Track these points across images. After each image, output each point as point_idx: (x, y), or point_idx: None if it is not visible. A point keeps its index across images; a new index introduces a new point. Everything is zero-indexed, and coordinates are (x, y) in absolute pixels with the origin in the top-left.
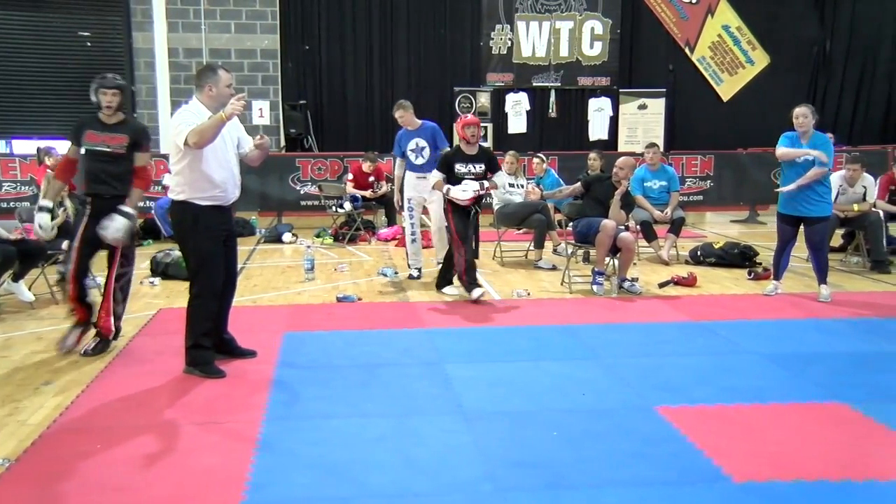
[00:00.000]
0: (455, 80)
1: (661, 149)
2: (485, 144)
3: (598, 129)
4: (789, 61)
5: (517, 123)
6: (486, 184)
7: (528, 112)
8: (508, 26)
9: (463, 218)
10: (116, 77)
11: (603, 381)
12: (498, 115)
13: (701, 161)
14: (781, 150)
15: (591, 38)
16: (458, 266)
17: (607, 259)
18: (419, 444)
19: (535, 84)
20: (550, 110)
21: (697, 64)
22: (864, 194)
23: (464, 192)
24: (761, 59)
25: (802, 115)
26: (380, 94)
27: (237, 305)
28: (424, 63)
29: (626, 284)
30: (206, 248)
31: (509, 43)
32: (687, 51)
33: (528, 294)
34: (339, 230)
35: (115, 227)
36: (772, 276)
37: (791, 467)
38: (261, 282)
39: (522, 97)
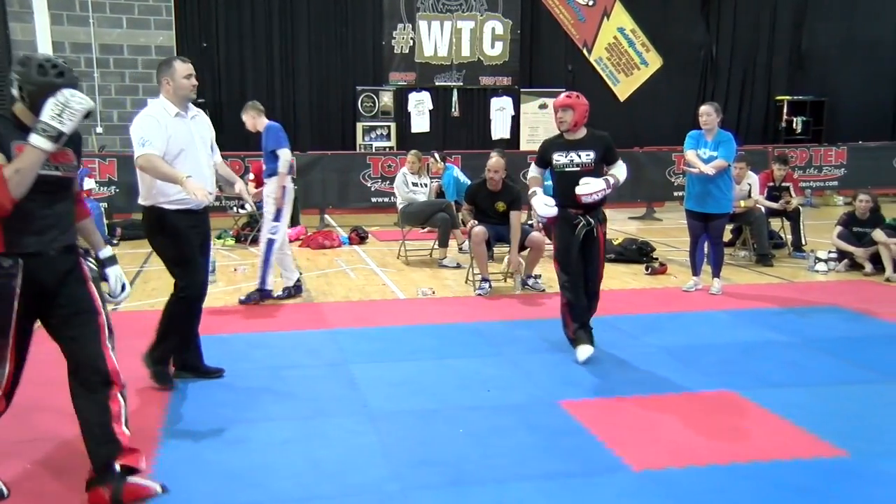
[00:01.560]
0: (357, 80)
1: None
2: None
3: (500, 128)
4: (680, 64)
5: (420, 122)
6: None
7: (430, 111)
8: (410, 26)
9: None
10: None
11: (507, 377)
12: (401, 114)
13: None
14: (686, 159)
15: (492, 38)
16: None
17: (517, 250)
18: (325, 447)
19: (437, 83)
20: (453, 109)
21: (595, 64)
22: (749, 191)
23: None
24: (655, 61)
25: (707, 113)
26: (281, 94)
27: (133, 311)
28: (326, 62)
29: (531, 282)
30: (180, 252)
31: (411, 42)
32: (585, 52)
33: (433, 292)
34: (241, 231)
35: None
36: (691, 273)
37: (685, 454)
38: (159, 285)
39: (425, 96)
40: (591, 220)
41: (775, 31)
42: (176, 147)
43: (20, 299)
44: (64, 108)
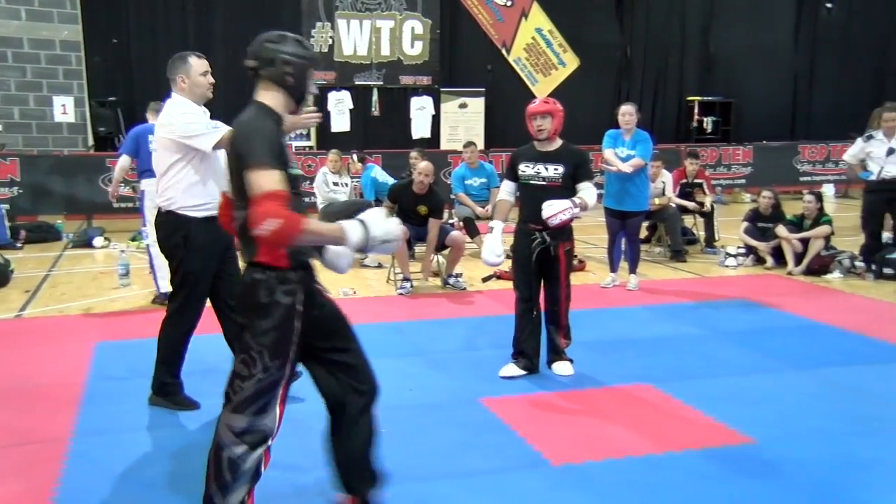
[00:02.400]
0: None
1: (481, 147)
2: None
3: (420, 127)
4: (597, 64)
5: (340, 122)
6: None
7: (350, 110)
8: (329, 24)
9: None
10: None
11: (430, 376)
12: (320, 112)
13: None
14: (604, 157)
15: (411, 37)
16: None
17: (433, 256)
18: None
19: (357, 82)
20: (373, 109)
21: (514, 64)
22: (664, 189)
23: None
24: (572, 62)
25: (628, 112)
26: None
27: (41, 317)
28: (244, 59)
29: (452, 280)
30: (193, 267)
31: (330, 41)
32: (504, 52)
33: (355, 292)
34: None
35: None
36: (609, 269)
37: (602, 448)
38: (69, 290)
39: (345, 95)
40: (547, 237)
41: (685, 34)
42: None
43: None
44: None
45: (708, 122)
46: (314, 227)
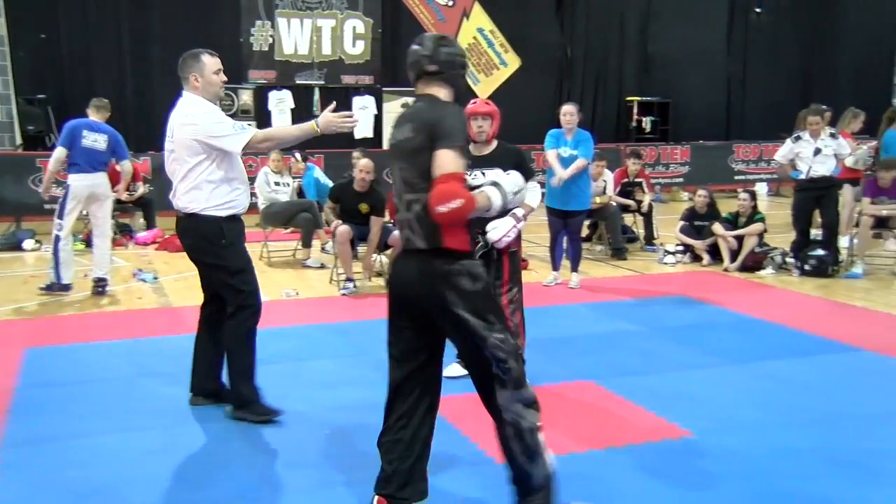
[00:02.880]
0: None
1: None
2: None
3: (363, 127)
4: (538, 64)
5: (282, 121)
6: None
7: (292, 110)
8: (269, 23)
9: None
10: None
11: (373, 376)
12: (261, 113)
13: None
14: (547, 158)
15: (353, 36)
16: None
17: (375, 256)
18: (189, 456)
19: (298, 82)
20: (315, 108)
21: None
22: (605, 188)
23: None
24: (514, 62)
25: (570, 112)
26: (133, 89)
27: None
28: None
29: None
30: (234, 265)
31: (271, 40)
32: None
33: (297, 294)
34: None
35: None
36: (551, 268)
37: (548, 445)
38: None
39: (286, 95)
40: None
41: (624, 35)
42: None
43: None
44: None
45: (647, 122)
46: (477, 205)
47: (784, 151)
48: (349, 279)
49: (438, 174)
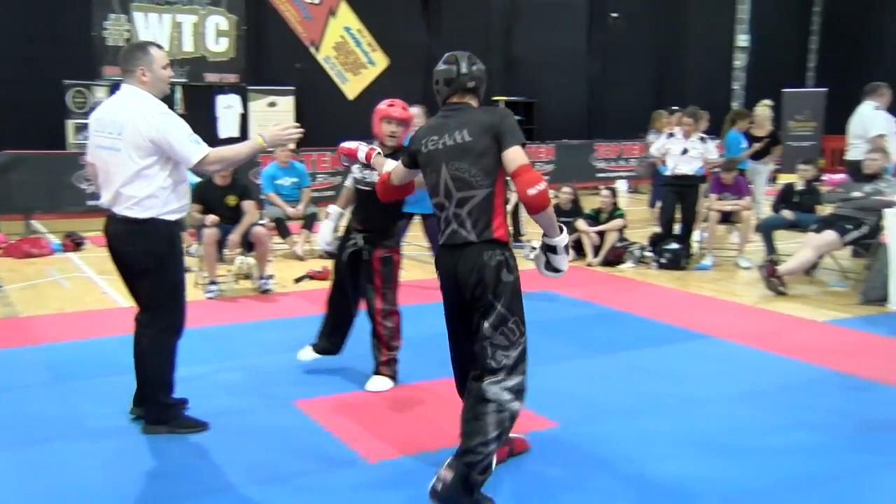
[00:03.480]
0: (65, 73)
1: (292, 146)
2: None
3: (227, 126)
4: (405, 63)
5: None
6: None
7: None
8: (125, 17)
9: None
10: None
11: (242, 381)
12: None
13: (331, 157)
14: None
15: (216, 33)
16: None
17: (241, 259)
18: (43, 476)
19: None
20: (177, 107)
21: (323, 63)
22: None
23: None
24: (381, 61)
25: (417, 115)
26: None
27: None
28: (28, 53)
29: (261, 283)
30: (180, 274)
31: (127, 35)
32: (313, 50)
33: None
34: None
35: None
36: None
37: (417, 442)
38: None
39: None
40: (361, 241)
41: (489, 35)
42: None
43: None
44: None
45: None
46: (551, 209)
47: (658, 145)
48: (213, 282)
49: (515, 167)
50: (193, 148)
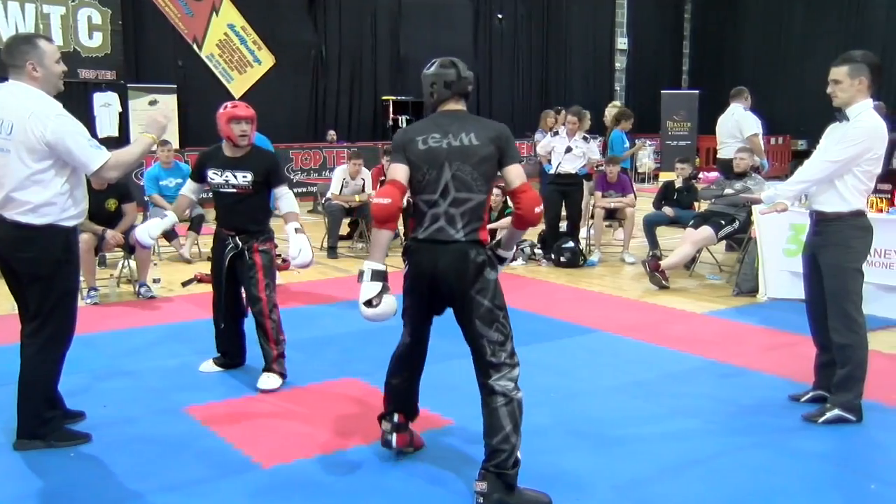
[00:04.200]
0: None
1: (176, 146)
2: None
3: (106, 125)
4: (293, 62)
5: None
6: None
7: None
8: None
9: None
10: None
11: (127, 389)
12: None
13: None
14: None
15: (88, 27)
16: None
17: (124, 262)
18: None
19: None
20: None
21: (207, 61)
22: (364, 186)
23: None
24: (268, 59)
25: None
26: None
27: None
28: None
29: (143, 290)
30: (74, 282)
31: None
32: (195, 47)
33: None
34: None
35: None
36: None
37: (312, 445)
38: None
39: None
40: (239, 242)
41: (376, 35)
42: None
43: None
44: None
45: (402, 121)
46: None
47: (544, 143)
48: (92, 288)
49: (521, 183)
50: (93, 154)
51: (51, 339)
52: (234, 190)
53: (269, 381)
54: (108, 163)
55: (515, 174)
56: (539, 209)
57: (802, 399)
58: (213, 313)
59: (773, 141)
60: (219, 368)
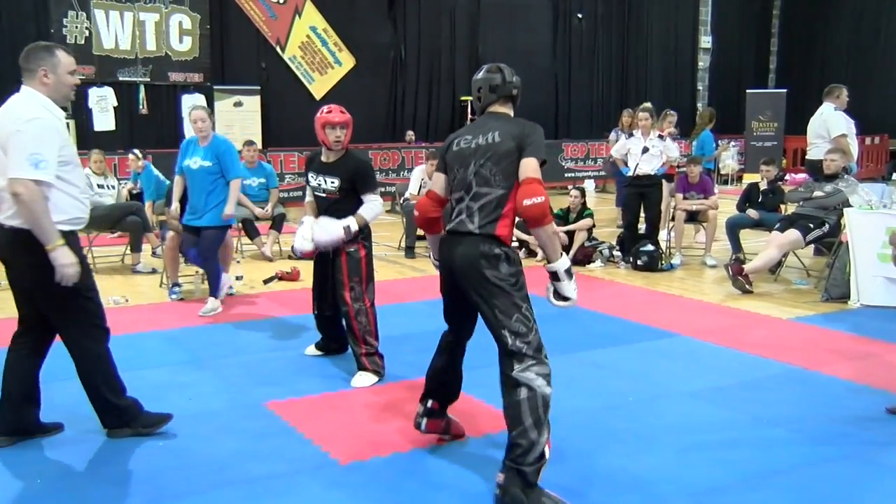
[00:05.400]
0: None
1: (259, 146)
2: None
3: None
4: (372, 63)
5: (104, 120)
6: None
7: (115, 108)
8: (84, 14)
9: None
10: None
11: (208, 383)
12: (80, 111)
13: (298, 158)
14: None
15: (179, 32)
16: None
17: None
18: None
19: (121, 78)
20: (141, 106)
21: (289, 63)
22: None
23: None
24: (348, 61)
25: (199, 118)
26: None
27: None
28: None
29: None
30: (84, 280)
31: (87, 32)
32: (278, 49)
33: (126, 301)
34: None
35: None
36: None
37: (389, 443)
38: None
39: (108, 92)
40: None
41: (454, 36)
42: (69, 156)
43: None
44: None
45: None
46: (553, 227)
47: (618, 147)
48: (175, 283)
49: (525, 176)
50: (21, 164)
51: (80, 337)
52: (325, 194)
53: (361, 379)
54: (22, 183)
55: (525, 165)
56: (529, 202)
57: None
58: (312, 301)
59: (867, 141)
60: (318, 352)
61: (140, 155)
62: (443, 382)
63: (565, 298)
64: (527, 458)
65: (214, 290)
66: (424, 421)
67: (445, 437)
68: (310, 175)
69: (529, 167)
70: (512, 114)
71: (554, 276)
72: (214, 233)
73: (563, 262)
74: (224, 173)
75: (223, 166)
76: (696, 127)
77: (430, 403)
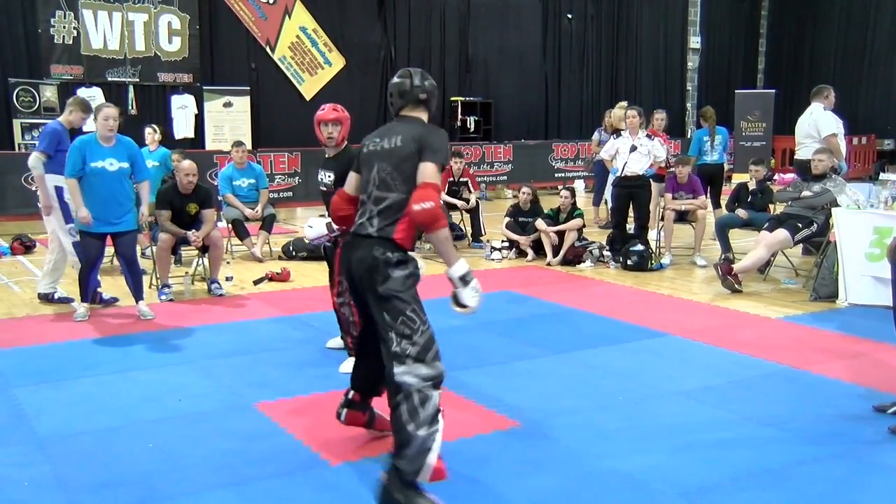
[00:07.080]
0: (10, 71)
1: (249, 147)
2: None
3: (182, 126)
4: (362, 63)
5: (92, 121)
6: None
7: None
8: (72, 14)
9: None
10: None
11: (198, 384)
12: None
13: (289, 158)
14: None
15: (168, 32)
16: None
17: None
18: None
19: (109, 79)
20: (130, 107)
21: (279, 63)
22: None
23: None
24: (338, 61)
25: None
26: None
27: None
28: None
29: (213, 286)
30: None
31: (75, 32)
32: (268, 50)
33: (117, 301)
34: None
35: None
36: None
37: (380, 444)
38: None
39: (96, 92)
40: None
41: (445, 36)
42: None
43: None
44: None
45: (471, 122)
46: (446, 233)
47: (607, 147)
48: (165, 285)
49: (421, 181)
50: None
51: None
52: (325, 189)
53: (348, 364)
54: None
55: (422, 170)
56: (419, 207)
57: (889, 411)
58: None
59: (855, 141)
60: (341, 344)
61: (157, 129)
62: (363, 376)
63: (463, 306)
64: (404, 458)
65: (141, 293)
66: (344, 412)
67: (373, 431)
68: (319, 171)
69: (426, 172)
70: (425, 118)
71: (453, 282)
72: (134, 236)
73: (457, 269)
74: (135, 174)
75: (136, 167)
76: (708, 124)
77: (350, 395)
